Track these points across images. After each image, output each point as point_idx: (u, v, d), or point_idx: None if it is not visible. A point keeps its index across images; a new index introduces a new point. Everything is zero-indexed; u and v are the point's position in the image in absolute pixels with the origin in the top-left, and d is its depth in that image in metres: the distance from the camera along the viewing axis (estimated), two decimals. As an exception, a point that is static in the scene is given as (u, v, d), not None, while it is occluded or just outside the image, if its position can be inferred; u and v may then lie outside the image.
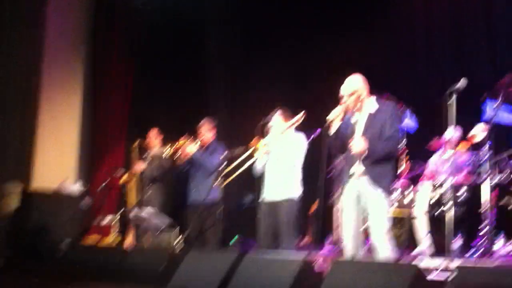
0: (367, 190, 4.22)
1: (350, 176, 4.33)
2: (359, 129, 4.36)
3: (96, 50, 8.78)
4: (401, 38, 8.02)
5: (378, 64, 7.33)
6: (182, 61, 8.67)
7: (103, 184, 7.06)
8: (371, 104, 4.38)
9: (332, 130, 4.35)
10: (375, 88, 4.47)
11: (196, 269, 4.12)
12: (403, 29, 8.04)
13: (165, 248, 5.80)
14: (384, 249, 4.15)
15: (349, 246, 4.30)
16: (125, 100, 8.74)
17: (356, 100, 4.34)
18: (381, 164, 4.22)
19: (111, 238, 7.01)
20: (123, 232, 7.02)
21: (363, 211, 4.28)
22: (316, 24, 8.42)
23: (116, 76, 8.75)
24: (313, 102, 7.54)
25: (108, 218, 7.25)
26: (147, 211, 5.98)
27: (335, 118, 4.32)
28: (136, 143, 6.84)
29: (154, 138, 6.76)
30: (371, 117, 4.33)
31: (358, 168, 4.28)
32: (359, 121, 4.38)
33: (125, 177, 6.92)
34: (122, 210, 7.03)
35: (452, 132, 5.83)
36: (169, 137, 6.34)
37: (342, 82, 4.44)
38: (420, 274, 2.89)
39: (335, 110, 4.34)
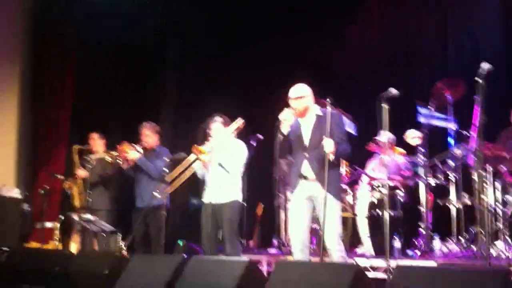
0: (319, 193, 4.31)
1: (301, 177, 4.43)
2: (307, 132, 4.48)
3: (36, 51, 8.55)
4: (337, 46, 8.26)
5: (317, 74, 7.49)
6: (127, 65, 8.57)
7: (44, 189, 6.90)
8: (316, 111, 4.52)
9: (283, 129, 4.44)
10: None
11: (141, 272, 4.12)
12: (341, 39, 8.29)
13: (110, 252, 5.75)
14: (337, 251, 4.26)
15: (297, 248, 4.37)
16: (66, 103, 8.53)
17: (303, 106, 4.47)
18: (330, 169, 4.31)
19: (52, 244, 6.86)
20: (64, 238, 6.89)
21: (312, 213, 4.40)
22: (258, 36, 8.56)
23: (57, 78, 8.53)
24: (254, 110, 7.70)
25: (49, 224, 7.09)
26: (92, 216, 5.90)
27: (286, 118, 4.42)
28: (78, 148, 6.73)
29: (96, 142, 6.68)
30: (319, 121, 4.46)
31: (308, 171, 4.39)
32: (305, 125, 4.50)
33: (67, 181, 6.80)
34: (65, 215, 6.88)
35: (386, 137, 6.07)
36: (113, 141, 6.28)
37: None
38: (361, 273, 3.01)
39: (287, 110, 4.44)
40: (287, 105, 4.49)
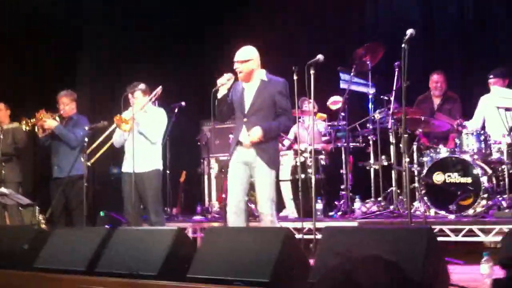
0: (254, 159, 4.30)
1: (238, 144, 4.39)
2: (249, 96, 4.40)
3: None
4: (261, 14, 8.23)
5: (244, 36, 7.44)
6: (46, 28, 8.04)
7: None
8: (263, 75, 4.45)
9: (220, 94, 4.37)
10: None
11: (64, 246, 3.97)
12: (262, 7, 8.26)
13: (29, 226, 5.51)
14: (268, 216, 4.25)
15: (231, 210, 4.32)
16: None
17: (248, 69, 4.37)
18: (267, 138, 4.29)
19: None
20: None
21: (249, 179, 4.37)
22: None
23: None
24: (178, 76, 7.55)
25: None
26: (6, 189, 5.61)
27: (225, 82, 4.34)
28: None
29: (2, 112, 6.35)
30: (263, 86, 4.39)
31: (245, 137, 4.34)
32: (248, 89, 4.42)
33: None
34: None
35: (307, 103, 6.16)
36: (27, 110, 5.95)
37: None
38: (290, 235, 3.05)
39: (225, 75, 4.36)
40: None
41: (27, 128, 5.70)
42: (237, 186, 4.34)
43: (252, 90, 4.41)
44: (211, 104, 4.42)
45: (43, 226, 5.72)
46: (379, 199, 5.92)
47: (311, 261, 3.06)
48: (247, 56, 4.40)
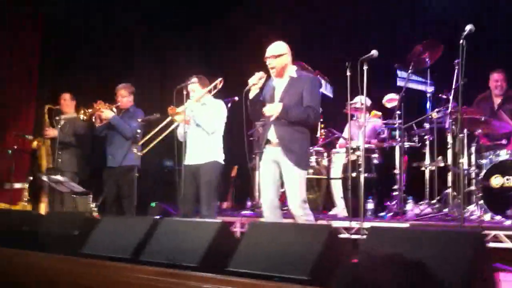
0: (281, 159, 4.26)
1: (267, 142, 4.36)
2: (278, 94, 4.36)
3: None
4: (314, 9, 8.11)
5: (294, 34, 7.38)
6: (101, 23, 8.27)
7: (12, 149, 6.72)
8: (292, 72, 4.40)
9: (252, 94, 4.34)
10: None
11: (111, 234, 4.03)
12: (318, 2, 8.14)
13: (80, 213, 5.65)
14: (301, 217, 4.21)
15: (266, 209, 4.35)
16: (33, 62, 8.21)
17: (281, 64, 4.33)
18: (295, 133, 4.25)
19: (21, 205, 6.73)
20: (33, 199, 6.76)
21: (280, 177, 4.32)
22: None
23: (22, 35, 8.15)
24: (231, 70, 7.55)
25: (18, 185, 6.94)
26: (61, 177, 5.78)
27: (256, 82, 4.31)
28: (48, 107, 6.56)
29: (67, 102, 6.54)
30: (291, 83, 4.33)
31: (272, 135, 4.30)
32: (279, 86, 4.38)
33: (36, 142, 6.63)
34: (33, 176, 6.74)
35: (362, 100, 6.00)
36: (87, 101, 6.11)
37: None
38: (334, 233, 2.96)
39: (256, 74, 4.32)
40: (262, 68, 4.38)
41: (85, 117, 5.85)
42: (269, 185, 4.32)
43: (282, 87, 4.35)
44: (243, 103, 4.38)
45: (95, 214, 5.86)
46: (433, 201, 5.71)
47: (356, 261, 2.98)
48: (280, 51, 4.34)
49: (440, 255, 2.30)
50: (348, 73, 4.49)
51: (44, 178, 5.94)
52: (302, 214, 4.22)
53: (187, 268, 3.24)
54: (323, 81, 6.57)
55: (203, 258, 3.24)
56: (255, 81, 4.31)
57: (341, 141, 6.64)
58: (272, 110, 4.23)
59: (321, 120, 6.69)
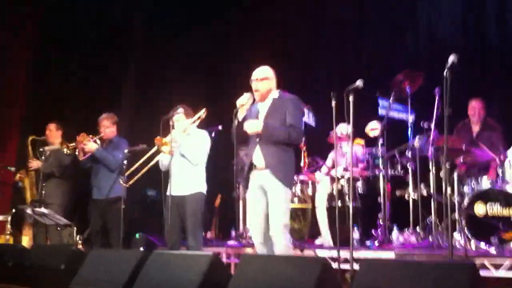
0: (267, 182, 4.25)
1: (252, 168, 4.35)
2: (262, 116, 4.38)
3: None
4: (297, 38, 8.25)
5: (279, 63, 7.50)
6: (87, 54, 8.27)
7: (-5, 180, 6.65)
8: (274, 95, 4.45)
9: (240, 115, 4.34)
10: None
11: (100, 267, 4.01)
12: (299, 31, 8.27)
13: (66, 246, 5.58)
14: (281, 242, 4.15)
15: (257, 241, 4.32)
16: (18, 91, 8.19)
17: (265, 88, 4.38)
18: (281, 153, 4.27)
19: (3, 238, 6.61)
20: (15, 232, 6.65)
21: (267, 206, 4.29)
22: (220, 22, 8.50)
23: (8, 65, 8.16)
24: (215, 99, 7.61)
25: (0, 217, 6.83)
26: (45, 209, 5.71)
27: (244, 102, 4.32)
28: (32, 138, 6.51)
29: (53, 133, 6.48)
30: (274, 104, 4.37)
31: (259, 159, 4.30)
32: (262, 109, 4.41)
33: (19, 173, 6.56)
34: (16, 208, 6.63)
35: (345, 128, 6.10)
36: (69, 130, 6.09)
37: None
38: (327, 266, 3.00)
39: (244, 95, 4.34)
40: (247, 91, 4.42)
41: (68, 151, 5.82)
42: (258, 216, 4.29)
43: (265, 109, 4.39)
44: (232, 124, 4.39)
45: (80, 246, 5.79)
46: (418, 229, 5.78)
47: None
48: (266, 74, 4.41)
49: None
50: (334, 103, 4.54)
51: (29, 210, 5.86)
52: (283, 237, 4.16)
53: (180, 302, 3.24)
54: (305, 110, 6.64)
55: (197, 292, 3.24)
56: (244, 101, 4.32)
57: (324, 169, 6.69)
58: (253, 126, 4.24)
59: (305, 149, 6.76)
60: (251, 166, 4.36)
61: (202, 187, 5.18)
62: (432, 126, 5.71)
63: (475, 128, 6.17)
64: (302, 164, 6.72)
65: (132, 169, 5.33)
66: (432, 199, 5.70)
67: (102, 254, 4.25)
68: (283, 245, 4.15)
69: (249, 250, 5.79)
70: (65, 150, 5.78)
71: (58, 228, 5.90)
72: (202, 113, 5.27)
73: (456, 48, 6.87)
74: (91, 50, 8.23)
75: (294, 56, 8.09)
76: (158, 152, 5.14)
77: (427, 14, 7.50)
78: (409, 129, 6.05)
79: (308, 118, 6.89)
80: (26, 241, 6.34)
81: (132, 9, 8.60)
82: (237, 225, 7.36)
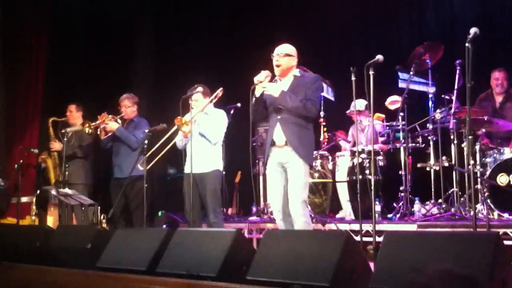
0: (288, 158, 4.27)
1: (272, 145, 4.36)
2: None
3: (3, 20, 8.20)
4: (318, 15, 8.15)
5: (298, 39, 7.43)
6: (104, 35, 8.30)
7: (19, 163, 6.73)
8: (297, 72, 4.45)
9: (258, 92, 4.34)
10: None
11: (126, 246, 4.05)
12: (318, 5, 8.17)
13: (91, 226, 5.67)
14: (300, 219, 4.18)
15: (278, 217, 4.35)
16: (38, 74, 8.25)
17: (287, 64, 4.37)
18: (301, 134, 4.28)
19: (29, 219, 6.74)
20: (40, 213, 6.77)
21: (286, 179, 4.32)
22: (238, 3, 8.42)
23: (27, 49, 8.21)
24: (232, 78, 7.59)
25: (25, 199, 6.95)
26: (69, 190, 5.79)
27: (263, 79, 4.30)
28: (52, 120, 6.57)
29: (73, 114, 6.53)
30: (296, 81, 4.37)
31: (279, 136, 4.31)
32: (283, 85, 4.39)
33: (42, 155, 6.65)
34: (40, 190, 6.75)
35: (362, 104, 6.07)
36: (90, 113, 6.14)
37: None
38: (351, 239, 3.00)
39: (262, 72, 4.33)
40: (264, 69, 4.40)
41: (90, 131, 5.87)
42: (277, 192, 4.32)
43: (287, 85, 4.37)
44: (249, 103, 4.38)
45: (104, 225, 5.88)
46: (440, 201, 5.75)
47: (371, 265, 3.01)
48: (288, 51, 4.40)
49: (461, 259, 2.34)
50: (353, 78, 4.50)
51: (53, 191, 5.95)
52: (302, 213, 4.19)
53: (205, 278, 3.27)
54: (324, 85, 6.61)
55: (221, 268, 3.27)
56: (262, 78, 4.31)
57: (342, 143, 6.67)
58: (273, 88, 4.24)
59: (324, 124, 6.74)
60: (271, 143, 4.36)
61: (219, 165, 5.28)
62: (454, 97, 5.65)
63: (498, 99, 6.10)
64: (321, 139, 6.72)
65: (153, 149, 5.36)
66: (454, 170, 5.67)
67: (127, 233, 4.28)
68: (302, 221, 4.18)
69: (270, 225, 5.83)
70: (86, 129, 5.83)
71: (83, 208, 5.99)
72: (219, 91, 5.29)
73: (477, 17, 6.86)
74: (108, 31, 8.23)
75: (313, 31, 8.00)
76: (177, 131, 5.18)
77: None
78: (430, 101, 6.00)
79: (327, 92, 6.85)
80: (51, 221, 6.45)
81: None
82: (257, 201, 7.41)
